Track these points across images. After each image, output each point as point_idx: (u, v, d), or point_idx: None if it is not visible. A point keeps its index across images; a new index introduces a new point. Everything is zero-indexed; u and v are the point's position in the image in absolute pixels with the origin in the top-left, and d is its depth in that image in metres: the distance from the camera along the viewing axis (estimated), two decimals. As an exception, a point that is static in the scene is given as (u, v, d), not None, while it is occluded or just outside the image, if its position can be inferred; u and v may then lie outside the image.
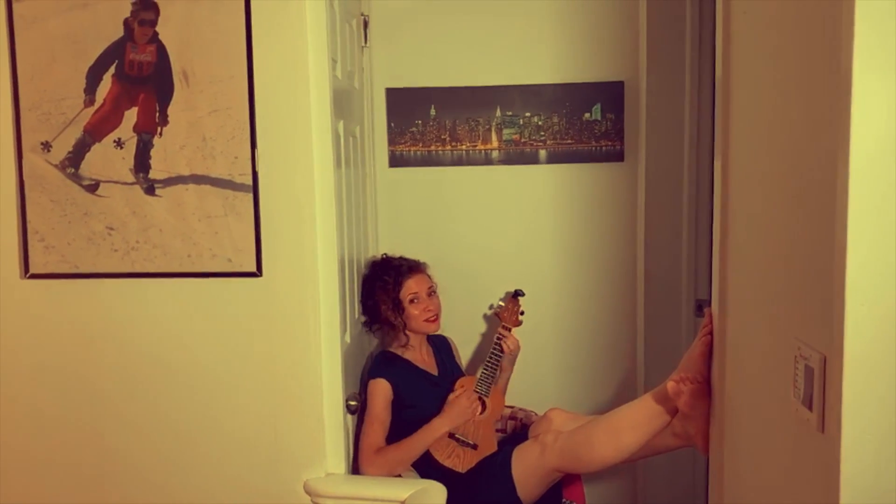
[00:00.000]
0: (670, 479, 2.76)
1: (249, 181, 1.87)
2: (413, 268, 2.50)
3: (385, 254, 2.61)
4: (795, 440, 1.19)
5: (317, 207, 1.91)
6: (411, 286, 2.46)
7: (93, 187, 1.90)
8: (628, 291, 2.78)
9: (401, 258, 2.55)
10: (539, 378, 2.83)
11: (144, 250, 1.92)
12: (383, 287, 2.46)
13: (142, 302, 1.95)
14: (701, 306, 2.70)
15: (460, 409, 2.35)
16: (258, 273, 1.91)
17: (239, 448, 1.99)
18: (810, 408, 1.11)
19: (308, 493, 1.96)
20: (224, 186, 1.88)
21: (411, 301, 2.45)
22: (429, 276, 2.55)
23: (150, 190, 1.90)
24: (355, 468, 2.24)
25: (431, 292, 2.51)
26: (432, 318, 2.48)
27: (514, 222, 2.81)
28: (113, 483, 2.03)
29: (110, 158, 1.89)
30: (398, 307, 2.45)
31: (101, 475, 2.03)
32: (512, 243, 2.82)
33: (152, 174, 1.89)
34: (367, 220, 2.67)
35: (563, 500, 2.38)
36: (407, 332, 2.48)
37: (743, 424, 1.54)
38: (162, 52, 1.84)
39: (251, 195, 1.88)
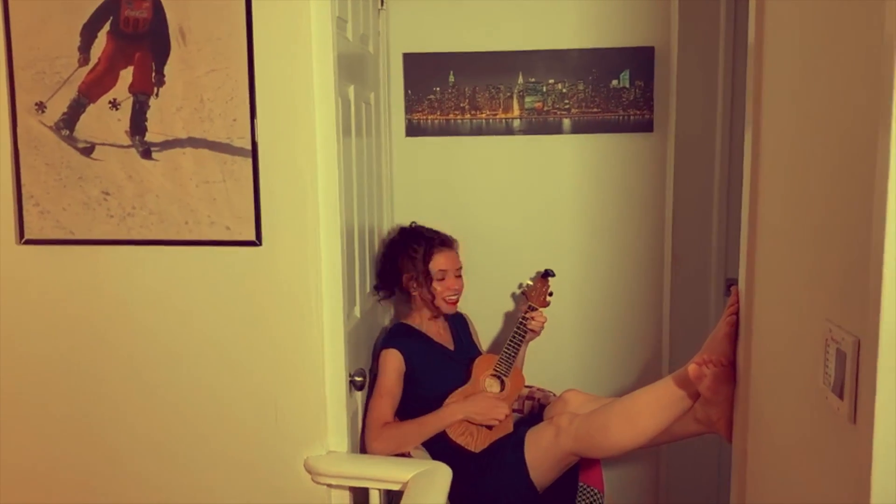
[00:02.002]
0: (694, 464, 2.65)
1: (248, 145, 1.78)
2: (446, 242, 2.43)
3: (415, 222, 2.52)
4: (824, 430, 1.10)
5: (319, 175, 1.82)
6: (442, 261, 2.39)
7: (88, 150, 1.84)
8: (654, 268, 2.66)
9: (433, 230, 2.47)
10: (559, 358, 2.73)
11: (140, 216, 1.84)
12: (411, 256, 2.40)
13: (138, 270, 1.88)
14: (731, 286, 2.56)
15: (482, 409, 2.26)
16: (258, 242, 1.83)
17: (237, 423, 1.92)
18: (841, 396, 1.02)
19: (308, 471, 1.88)
20: (222, 150, 1.79)
21: (439, 278, 2.37)
22: (458, 256, 2.46)
23: (146, 153, 1.82)
24: (363, 444, 2.18)
25: (459, 274, 2.42)
26: (453, 300, 2.41)
27: (535, 195, 2.70)
28: (105, 456, 1.98)
29: (105, 120, 1.82)
30: (427, 279, 2.37)
31: (92, 446, 1.98)
32: (533, 217, 2.71)
33: (148, 137, 1.82)
34: (381, 190, 2.58)
35: (581, 484, 2.29)
36: (427, 306, 2.41)
37: (768, 411, 1.45)
38: (158, 7, 1.76)
39: (250, 160, 1.79)
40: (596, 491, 2.30)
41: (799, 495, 1.24)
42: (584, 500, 2.28)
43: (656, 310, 2.67)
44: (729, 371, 1.69)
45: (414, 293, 2.41)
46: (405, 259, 2.41)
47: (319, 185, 1.82)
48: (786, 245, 1.33)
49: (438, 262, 2.39)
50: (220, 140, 1.79)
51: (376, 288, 2.45)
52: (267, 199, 1.81)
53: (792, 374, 1.27)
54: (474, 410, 2.25)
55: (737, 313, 1.68)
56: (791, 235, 1.29)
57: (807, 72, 1.20)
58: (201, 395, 1.92)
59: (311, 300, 1.85)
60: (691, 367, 1.72)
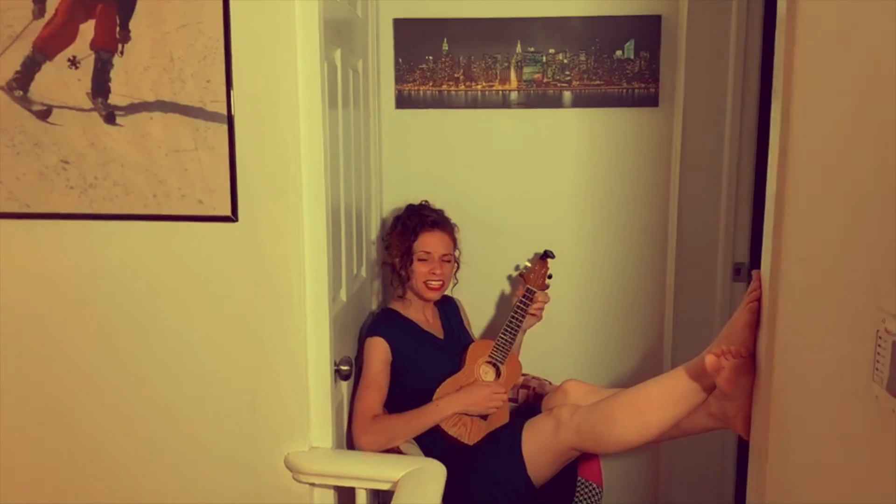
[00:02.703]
0: (695, 458, 2.53)
1: (224, 110, 1.61)
2: (439, 224, 2.29)
3: (426, 201, 2.40)
4: (872, 432, 0.97)
5: (303, 144, 1.65)
6: (427, 242, 2.25)
7: (44, 113, 1.65)
8: (658, 252, 2.51)
9: (436, 211, 2.34)
10: (554, 344, 2.59)
11: (104, 188, 1.67)
12: (400, 232, 2.29)
13: (100, 248, 1.71)
14: (739, 270, 2.43)
15: (479, 399, 2.13)
16: (233, 218, 1.66)
17: (210, 416, 1.75)
18: (898, 395, 0.89)
19: (289, 468, 1.73)
20: (194, 115, 1.62)
21: (421, 258, 2.22)
22: (453, 241, 2.33)
23: (109, 118, 1.64)
24: (349, 438, 2.03)
25: (446, 259, 2.27)
26: (434, 286, 2.25)
27: (533, 172, 2.54)
28: (66, 453, 1.81)
29: (64, 80, 1.63)
30: (408, 258, 2.23)
31: (52, 440, 1.81)
32: (531, 195, 2.55)
33: (112, 99, 1.64)
34: (369, 165, 2.41)
35: (579, 478, 2.16)
36: (409, 288, 2.26)
37: (795, 408, 1.33)
38: (122, -47, 1.57)
39: (226, 126, 1.62)
40: (595, 486, 2.18)
41: (836, 500, 1.11)
42: (582, 495, 2.15)
43: (659, 294, 2.53)
44: (749, 363, 1.56)
45: (400, 271, 2.27)
46: (396, 235, 2.30)
47: (303, 155, 1.65)
48: (822, 226, 1.20)
49: (424, 242, 2.25)
50: (192, 104, 1.61)
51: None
52: (244, 171, 1.64)
53: (828, 368, 1.15)
54: (470, 401, 2.11)
55: (758, 300, 1.54)
56: (829, 215, 1.16)
57: (852, 31, 1.06)
58: (170, 386, 1.75)
59: (292, 282, 1.69)
60: (708, 358, 1.58)
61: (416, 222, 2.27)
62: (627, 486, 2.65)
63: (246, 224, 1.66)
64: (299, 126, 1.64)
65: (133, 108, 1.63)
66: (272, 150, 1.64)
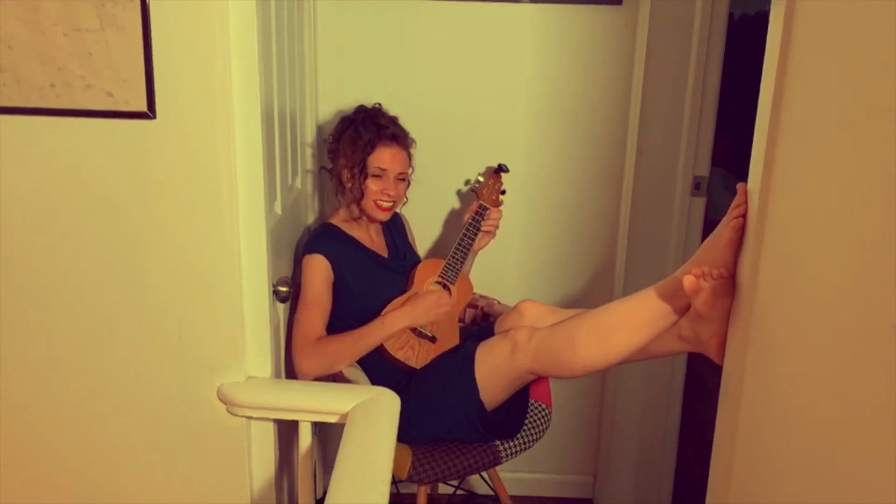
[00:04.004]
0: (643, 379, 2.47)
1: (135, -20, 1.33)
2: (397, 137, 2.06)
3: (379, 104, 2.14)
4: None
5: (232, 27, 1.38)
6: (383, 157, 2.03)
7: None
8: (615, 162, 2.37)
9: (392, 119, 2.10)
10: (505, 262, 2.46)
11: (-13, 75, 1.37)
12: (353, 140, 2.03)
13: (-13, 148, 1.42)
14: (699, 184, 2.32)
15: (426, 307, 2.00)
16: (150, 114, 1.39)
17: (130, 345, 1.53)
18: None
19: (223, 400, 1.54)
20: (98, -13, 1.33)
21: (374, 174, 2.00)
22: (409, 157, 2.10)
23: (-11, -14, 1.34)
24: (289, 367, 1.86)
25: (401, 178, 2.06)
26: (385, 206, 2.05)
27: (485, 76, 2.33)
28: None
29: (-73, -65, 1.31)
30: (362, 173, 2.01)
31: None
32: (482, 102, 2.35)
33: (-9, -38, 1.33)
34: (304, 62, 2.15)
35: (531, 400, 2.07)
36: (355, 204, 2.05)
37: (781, 334, 1.22)
38: None
39: (138, 2, 1.33)
40: (545, 407, 2.10)
41: (829, 440, 1.02)
42: (534, 417, 2.07)
43: (613, 207, 2.40)
44: (729, 283, 1.45)
45: (347, 184, 2.05)
46: (347, 142, 2.05)
47: (232, 40, 1.39)
48: (829, 132, 1.06)
49: (380, 156, 2.03)
50: (94, -28, 1.32)
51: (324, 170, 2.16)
52: (162, 58, 1.37)
53: (830, 293, 1.04)
54: (417, 313, 1.99)
55: (743, 216, 1.42)
56: (839, 118, 1.02)
57: None
58: (80, 312, 1.50)
59: (222, 191, 1.45)
60: (687, 279, 1.46)
61: (372, 133, 2.03)
62: (573, 407, 2.59)
63: (166, 122, 1.40)
64: (228, 5, 1.37)
65: (19, -25, 1.32)
66: (196, 32, 1.37)
